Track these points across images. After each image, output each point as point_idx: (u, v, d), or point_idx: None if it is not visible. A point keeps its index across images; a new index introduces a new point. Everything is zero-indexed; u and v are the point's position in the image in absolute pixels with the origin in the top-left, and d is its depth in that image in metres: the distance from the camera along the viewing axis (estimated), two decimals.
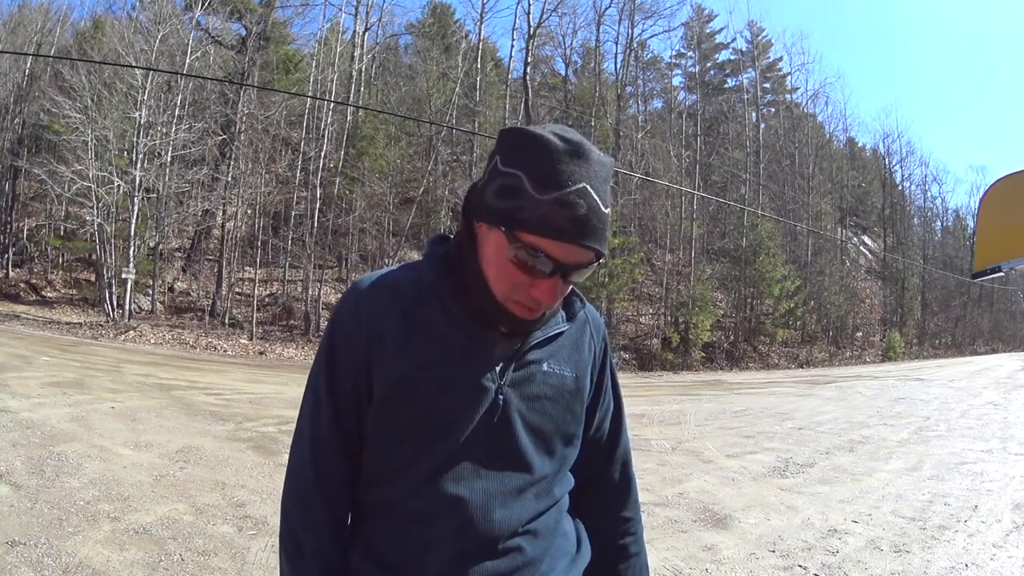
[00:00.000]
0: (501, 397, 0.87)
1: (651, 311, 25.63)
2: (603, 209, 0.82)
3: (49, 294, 18.64)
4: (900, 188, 40.66)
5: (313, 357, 1.00)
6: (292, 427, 1.02)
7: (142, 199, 16.74)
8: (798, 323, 28.11)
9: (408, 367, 0.86)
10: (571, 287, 0.92)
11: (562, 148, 0.81)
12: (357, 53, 24.07)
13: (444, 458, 0.86)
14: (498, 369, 0.88)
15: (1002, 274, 2.47)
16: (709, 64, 34.44)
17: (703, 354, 22.51)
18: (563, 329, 0.94)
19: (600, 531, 1.03)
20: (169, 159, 17.53)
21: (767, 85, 36.12)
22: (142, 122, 16.66)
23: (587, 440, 1.01)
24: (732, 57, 34.76)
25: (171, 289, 19.45)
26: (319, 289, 19.41)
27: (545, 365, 0.91)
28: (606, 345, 1.02)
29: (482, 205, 0.84)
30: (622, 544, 1.05)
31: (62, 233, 19.69)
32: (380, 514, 0.91)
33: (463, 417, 0.86)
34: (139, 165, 16.52)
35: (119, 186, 16.37)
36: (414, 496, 0.87)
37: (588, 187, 0.80)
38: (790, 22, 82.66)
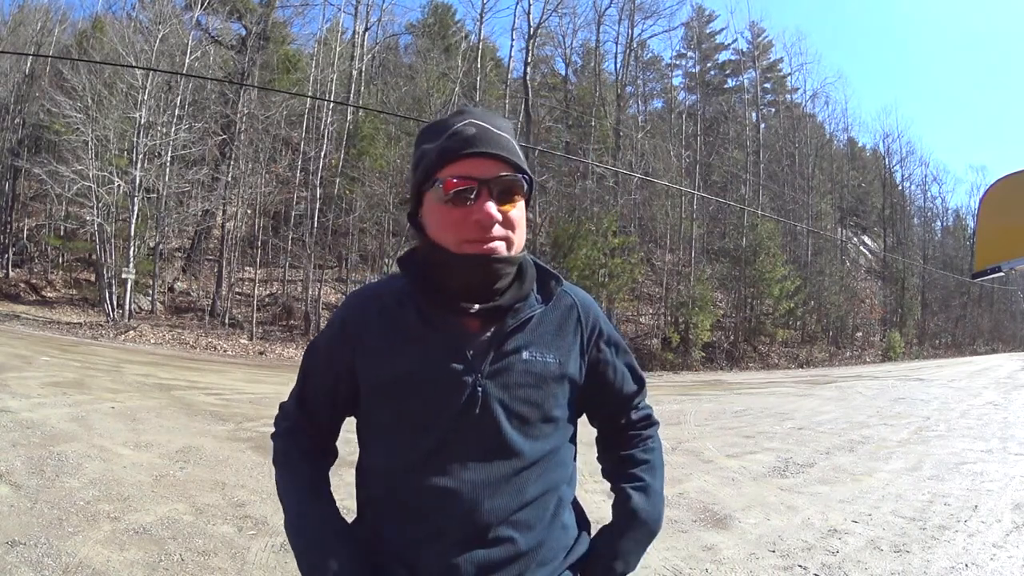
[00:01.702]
0: (480, 389, 0.90)
1: (651, 311, 25.64)
2: (498, 132, 0.91)
3: (49, 294, 18.64)
4: (900, 188, 40.69)
5: None
6: None
7: (142, 199, 16.74)
8: (798, 323, 28.12)
9: (390, 371, 0.92)
10: (557, 276, 1.01)
11: (448, 114, 0.97)
12: (357, 53, 24.06)
13: (430, 453, 0.90)
14: (476, 362, 0.90)
15: (1002, 274, 2.47)
16: (709, 64, 34.46)
17: (703, 354, 22.51)
18: (536, 311, 0.96)
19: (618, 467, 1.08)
20: (169, 159, 17.53)
21: (767, 85, 36.14)
22: (142, 122, 16.66)
23: (611, 413, 1.08)
24: (733, 57, 34.79)
25: (171, 289, 19.44)
26: (319, 289, 19.40)
27: (525, 353, 0.93)
28: (600, 324, 1.02)
29: (411, 193, 0.97)
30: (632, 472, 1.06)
31: (62, 233, 19.69)
32: (379, 509, 0.94)
33: (445, 413, 0.89)
34: (139, 165, 16.52)
35: (119, 186, 16.37)
36: (405, 491, 0.91)
37: (474, 120, 0.92)
38: (790, 22, 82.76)
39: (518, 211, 0.92)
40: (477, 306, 0.91)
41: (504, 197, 0.90)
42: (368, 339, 0.94)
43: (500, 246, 0.90)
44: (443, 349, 0.91)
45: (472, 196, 0.88)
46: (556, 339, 0.96)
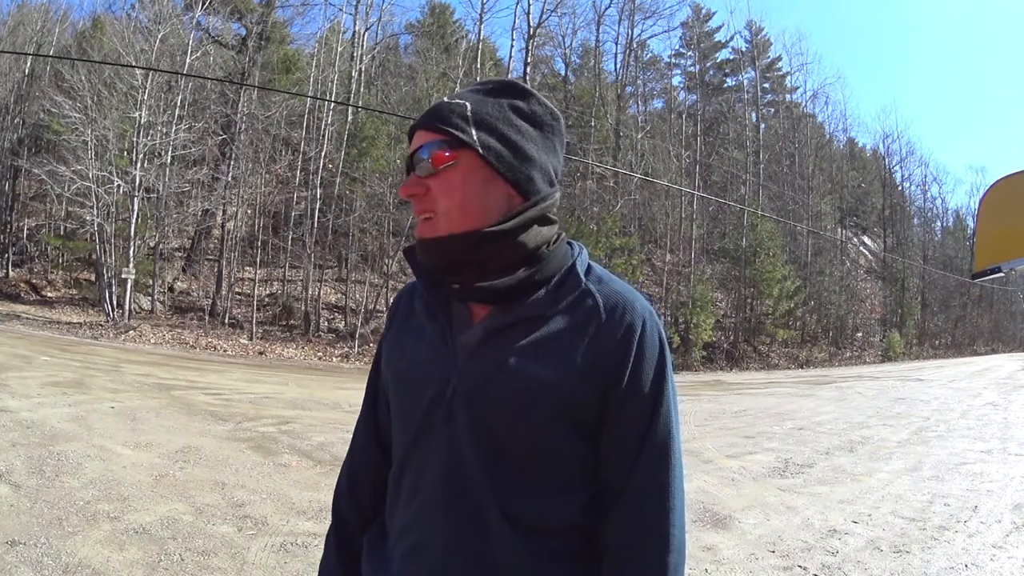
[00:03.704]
0: (449, 393, 0.77)
1: None
2: (447, 100, 0.81)
3: (49, 294, 18.63)
4: (900, 188, 40.70)
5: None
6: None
7: (142, 199, 16.74)
8: (798, 323, 28.12)
9: (389, 358, 0.89)
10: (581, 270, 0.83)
11: None
12: (357, 53, 24.07)
13: (406, 453, 0.83)
14: (458, 362, 0.78)
15: (1002, 275, 2.48)
16: (709, 64, 34.47)
17: (703, 354, 22.51)
18: (538, 312, 0.78)
19: None
20: (169, 159, 17.52)
21: (766, 85, 36.15)
22: (142, 122, 16.65)
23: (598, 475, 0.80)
24: (731, 56, 34.79)
25: (171, 289, 19.44)
26: (319, 289, 19.41)
27: (512, 358, 0.75)
28: (640, 345, 0.77)
29: None
30: None
31: (62, 233, 19.68)
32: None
33: (416, 412, 0.80)
34: (139, 165, 16.51)
35: (119, 186, 16.36)
36: (392, 487, 0.86)
37: (444, 98, 0.83)
38: (790, 22, 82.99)
39: (444, 179, 0.78)
40: (457, 286, 0.79)
41: (425, 167, 0.78)
42: (391, 329, 0.91)
43: (427, 226, 0.79)
44: (433, 343, 0.81)
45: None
46: (562, 348, 0.77)
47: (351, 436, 0.99)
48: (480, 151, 0.77)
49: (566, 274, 0.81)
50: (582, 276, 0.81)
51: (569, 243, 0.85)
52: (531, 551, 0.76)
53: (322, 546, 0.96)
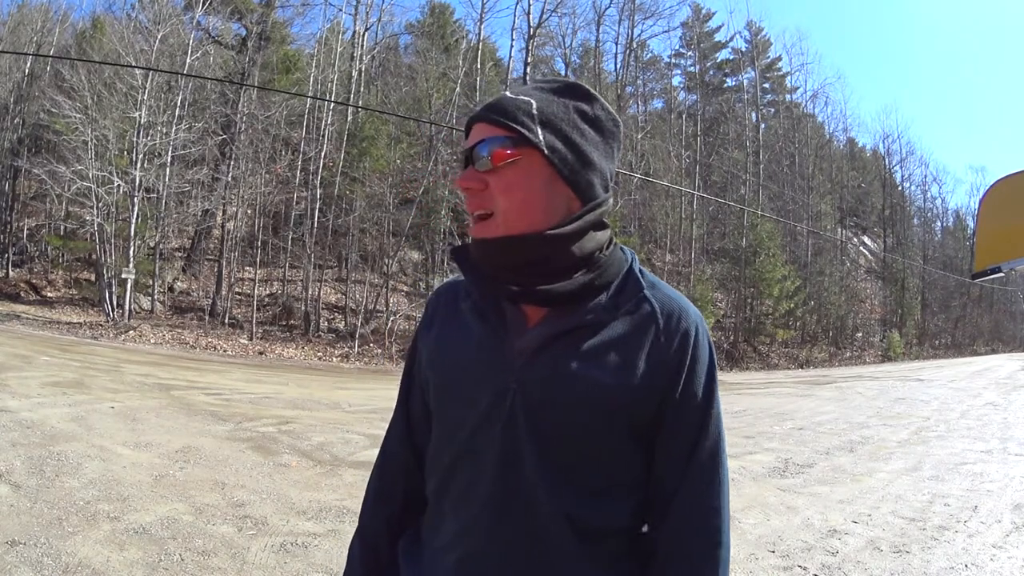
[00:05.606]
0: (508, 398, 0.76)
1: None
2: (511, 95, 0.79)
3: (49, 294, 18.63)
4: (900, 188, 40.71)
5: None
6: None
7: (142, 199, 16.74)
8: (798, 323, 28.13)
9: (432, 361, 0.86)
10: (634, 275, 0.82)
11: None
12: (357, 53, 24.07)
13: (455, 458, 0.81)
14: (516, 366, 0.77)
15: (1002, 275, 2.48)
16: (708, 64, 34.49)
17: None
18: (598, 318, 0.77)
19: None
20: (169, 159, 17.52)
21: (767, 85, 36.17)
22: (142, 122, 16.65)
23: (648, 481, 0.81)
24: (731, 56, 34.81)
25: (171, 289, 19.44)
26: (319, 289, 19.41)
27: (574, 364, 0.75)
28: (694, 352, 0.78)
29: None
30: None
31: (62, 233, 19.67)
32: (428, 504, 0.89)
33: (468, 416, 0.79)
34: (139, 165, 16.51)
35: (119, 186, 16.36)
36: (435, 493, 0.85)
37: (506, 93, 0.81)
38: (790, 22, 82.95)
39: (504, 176, 0.76)
40: (515, 288, 0.77)
41: (484, 163, 0.76)
42: (434, 327, 0.87)
43: (484, 226, 0.77)
44: (485, 345, 0.79)
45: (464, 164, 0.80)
46: (621, 354, 0.77)
47: (382, 438, 0.96)
48: (545, 152, 0.76)
49: (624, 280, 0.80)
50: (642, 282, 0.80)
51: (621, 248, 0.84)
52: (591, 556, 0.76)
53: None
